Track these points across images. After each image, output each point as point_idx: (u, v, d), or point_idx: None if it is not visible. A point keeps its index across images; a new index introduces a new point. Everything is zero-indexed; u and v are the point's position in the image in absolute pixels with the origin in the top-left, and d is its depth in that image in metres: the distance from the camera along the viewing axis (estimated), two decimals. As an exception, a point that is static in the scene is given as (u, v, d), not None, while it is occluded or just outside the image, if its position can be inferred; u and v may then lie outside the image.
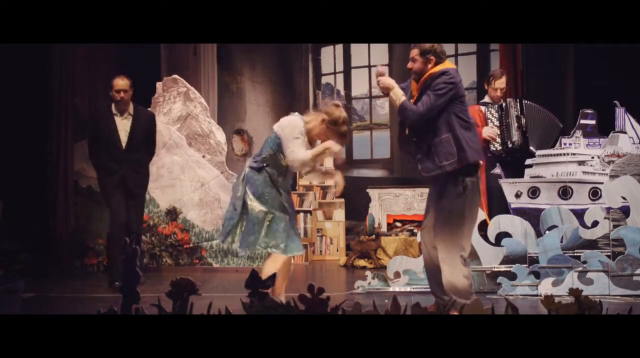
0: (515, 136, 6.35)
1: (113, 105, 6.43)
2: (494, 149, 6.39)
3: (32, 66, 7.34)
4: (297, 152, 4.53)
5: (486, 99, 6.61)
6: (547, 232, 5.79)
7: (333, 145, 4.57)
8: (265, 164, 4.63)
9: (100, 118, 6.49)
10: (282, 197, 4.66)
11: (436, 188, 4.51)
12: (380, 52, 9.95)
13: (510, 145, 6.34)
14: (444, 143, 4.33)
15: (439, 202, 4.45)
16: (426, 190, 7.70)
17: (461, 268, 4.37)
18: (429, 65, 4.42)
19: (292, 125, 4.58)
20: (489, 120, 6.43)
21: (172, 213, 7.73)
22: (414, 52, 4.46)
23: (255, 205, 4.58)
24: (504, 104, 6.45)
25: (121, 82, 6.38)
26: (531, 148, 6.35)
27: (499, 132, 6.37)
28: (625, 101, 6.22)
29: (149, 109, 7.34)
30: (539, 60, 8.35)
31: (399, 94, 4.44)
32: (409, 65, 4.50)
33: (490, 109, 6.47)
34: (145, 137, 6.52)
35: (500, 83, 6.47)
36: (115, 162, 6.36)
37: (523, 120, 6.37)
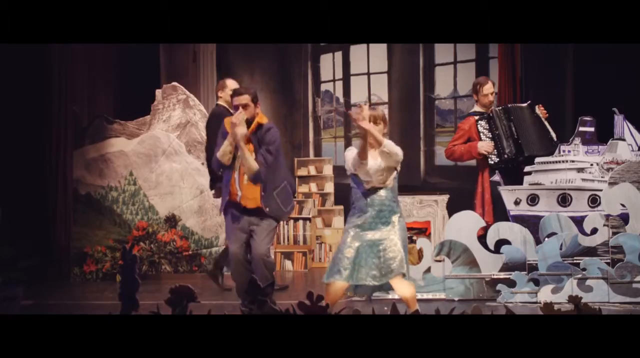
0: (508, 147, 6.30)
1: (227, 108, 6.30)
2: (492, 162, 6.35)
3: (31, 71, 7.33)
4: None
5: (476, 108, 6.57)
6: (546, 239, 5.79)
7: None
8: None
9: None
10: None
11: None
12: (379, 59, 9.96)
13: (505, 157, 6.31)
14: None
15: None
16: (425, 197, 7.79)
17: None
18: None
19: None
20: (482, 134, 6.38)
21: (172, 221, 7.72)
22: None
23: None
24: (491, 113, 6.42)
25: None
26: (527, 154, 6.28)
27: (493, 144, 6.34)
28: (624, 107, 6.22)
29: None
30: (538, 67, 8.34)
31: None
32: None
33: (480, 122, 6.42)
34: None
35: (488, 88, 6.46)
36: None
37: (513, 128, 6.33)
